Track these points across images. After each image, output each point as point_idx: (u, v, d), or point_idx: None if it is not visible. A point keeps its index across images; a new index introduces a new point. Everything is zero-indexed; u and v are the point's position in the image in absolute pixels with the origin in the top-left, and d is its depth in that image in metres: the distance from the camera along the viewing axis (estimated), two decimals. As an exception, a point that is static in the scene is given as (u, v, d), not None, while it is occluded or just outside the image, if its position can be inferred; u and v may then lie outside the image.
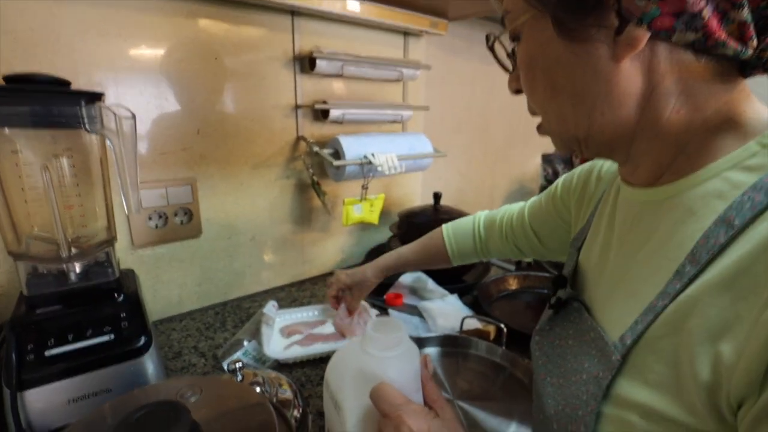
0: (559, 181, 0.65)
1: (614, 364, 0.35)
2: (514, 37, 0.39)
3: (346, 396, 0.41)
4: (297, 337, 0.87)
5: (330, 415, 0.45)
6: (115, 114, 0.60)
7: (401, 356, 0.40)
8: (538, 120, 0.43)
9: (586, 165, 0.58)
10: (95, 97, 0.60)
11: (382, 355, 0.40)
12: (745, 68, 0.33)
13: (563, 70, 0.35)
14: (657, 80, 0.33)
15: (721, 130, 0.34)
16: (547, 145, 2.02)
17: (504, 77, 0.44)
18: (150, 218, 0.89)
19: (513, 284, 1.11)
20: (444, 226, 0.83)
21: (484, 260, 0.82)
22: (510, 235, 0.74)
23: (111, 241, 0.68)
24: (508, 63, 0.43)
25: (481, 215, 0.81)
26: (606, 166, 0.54)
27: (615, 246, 0.42)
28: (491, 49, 0.44)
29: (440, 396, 0.41)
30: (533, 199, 0.73)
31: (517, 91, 0.43)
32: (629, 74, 0.33)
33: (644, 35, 0.31)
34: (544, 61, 0.36)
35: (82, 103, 0.59)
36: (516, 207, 0.76)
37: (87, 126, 0.59)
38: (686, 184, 0.35)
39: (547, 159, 1.98)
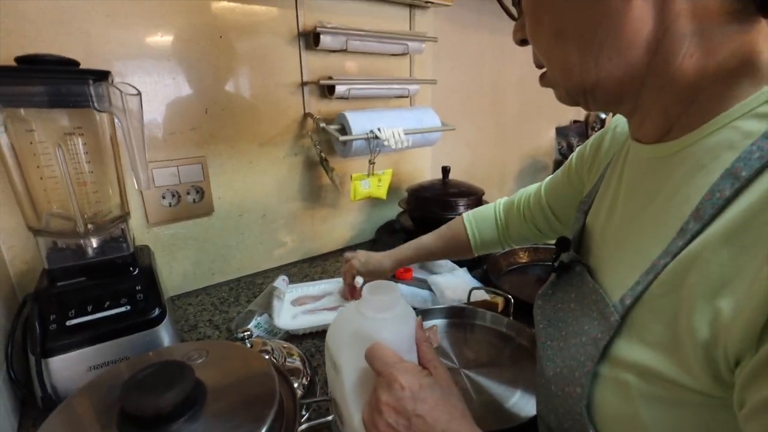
0: (575, 152, 0.63)
1: (613, 325, 0.35)
2: None
3: (344, 357, 0.42)
4: (306, 308, 0.89)
5: (331, 377, 0.47)
6: (121, 92, 0.61)
7: (396, 318, 0.41)
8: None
9: (602, 130, 0.56)
10: (102, 76, 0.62)
11: (377, 317, 0.41)
12: (765, 6, 0.30)
13: (570, 11, 0.34)
14: (670, 20, 0.31)
15: (737, 76, 0.31)
16: (561, 117, 1.97)
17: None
18: (163, 197, 0.91)
19: (523, 257, 1.11)
20: (464, 214, 0.80)
21: (506, 248, 0.78)
22: (528, 215, 0.72)
23: (125, 217, 0.71)
24: (514, 11, 0.42)
25: (501, 201, 0.79)
26: (621, 125, 0.51)
27: (621, 206, 0.41)
28: None
29: (435, 357, 0.42)
30: (550, 176, 0.71)
31: (522, 42, 0.41)
32: (640, 14, 0.31)
33: None
34: (550, 2, 0.35)
35: (90, 81, 0.60)
36: (533, 187, 0.74)
37: (95, 104, 0.61)
38: (696, 137, 0.33)
39: (561, 132, 1.93)
